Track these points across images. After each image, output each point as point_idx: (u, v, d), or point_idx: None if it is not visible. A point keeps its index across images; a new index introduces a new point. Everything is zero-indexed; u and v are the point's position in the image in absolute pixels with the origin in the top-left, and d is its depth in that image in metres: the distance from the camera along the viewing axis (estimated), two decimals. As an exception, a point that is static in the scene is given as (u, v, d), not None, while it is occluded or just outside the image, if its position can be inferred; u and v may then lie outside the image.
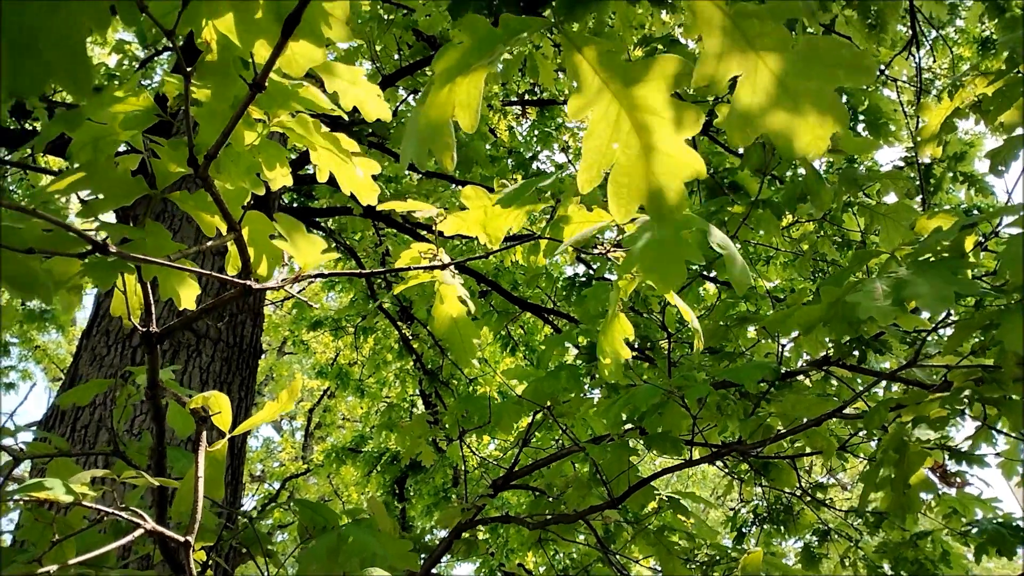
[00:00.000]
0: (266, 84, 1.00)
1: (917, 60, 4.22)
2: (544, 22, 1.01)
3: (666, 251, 1.51)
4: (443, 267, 1.62)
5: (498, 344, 9.02)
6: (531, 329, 8.61)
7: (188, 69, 1.22)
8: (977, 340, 2.26)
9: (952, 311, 2.47)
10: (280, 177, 1.61)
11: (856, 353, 3.10)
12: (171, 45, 1.01)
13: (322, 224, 6.68)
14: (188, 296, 1.51)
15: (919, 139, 2.47)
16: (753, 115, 0.98)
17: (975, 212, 5.31)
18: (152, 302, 1.49)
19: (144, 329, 1.48)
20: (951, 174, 4.89)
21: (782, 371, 3.32)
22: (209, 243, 1.29)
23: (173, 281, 1.47)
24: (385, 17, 5.83)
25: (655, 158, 1.03)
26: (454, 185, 6.03)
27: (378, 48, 5.82)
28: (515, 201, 1.55)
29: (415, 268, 1.62)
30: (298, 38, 0.96)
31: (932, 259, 2.10)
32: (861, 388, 2.88)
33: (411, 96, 6.08)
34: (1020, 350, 1.82)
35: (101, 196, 1.32)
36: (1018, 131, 2.51)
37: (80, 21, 0.81)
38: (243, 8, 0.93)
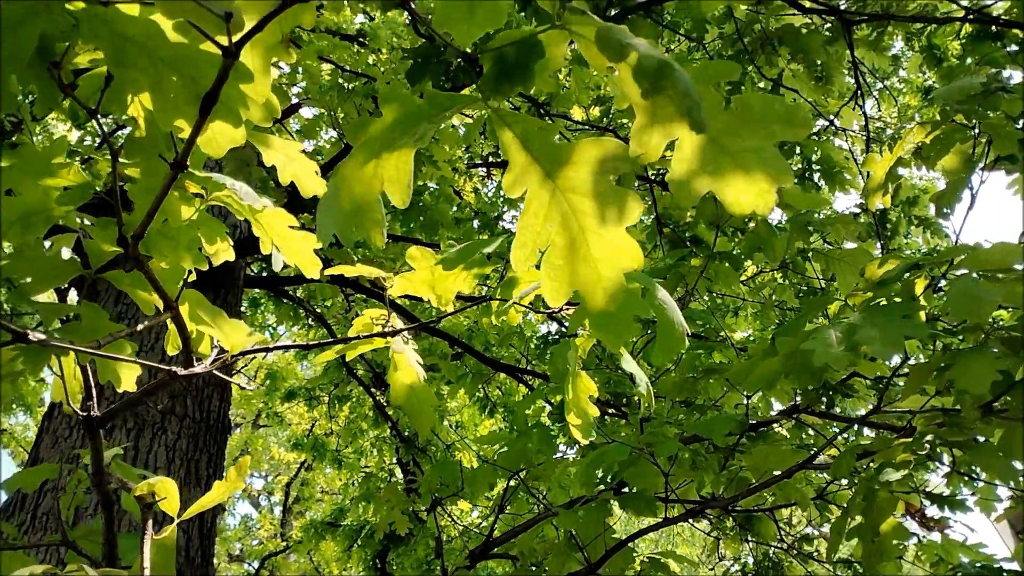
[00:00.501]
0: (187, 164, 0.99)
1: (864, 110, 4.34)
2: (471, 99, 1.01)
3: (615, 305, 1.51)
4: (391, 333, 1.60)
5: (476, 406, 8.92)
6: (508, 390, 8.54)
7: (113, 147, 1.21)
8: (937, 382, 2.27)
9: (911, 355, 2.49)
10: (222, 251, 1.59)
11: (824, 400, 3.10)
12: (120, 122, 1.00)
13: (290, 292, 6.64)
14: (128, 378, 1.47)
15: (867, 189, 2.52)
16: (693, 177, 0.98)
17: (932, 254, 5.41)
18: (92, 385, 1.45)
19: (84, 414, 1.44)
20: (906, 218, 4.98)
21: (751, 422, 3.31)
22: (144, 324, 1.27)
23: (112, 363, 1.44)
24: (346, 86, 5.91)
25: (591, 244, 1.00)
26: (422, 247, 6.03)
27: (340, 116, 5.87)
28: (458, 263, 1.54)
29: (364, 336, 1.60)
30: (216, 118, 0.96)
31: (884, 303, 2.12)
32: (833, 435, 2.86)
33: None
34: (976, 390, 1.82)
35: (30, 280, 1.30)
36: (958, 176, 2.57)
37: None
38: (159, 88, 0.93)
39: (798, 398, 3.14)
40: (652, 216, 5.15)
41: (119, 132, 6.83)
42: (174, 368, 1.09)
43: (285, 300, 6.93)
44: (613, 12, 4.07)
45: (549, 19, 0.96)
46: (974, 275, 1.93)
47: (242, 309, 9.08)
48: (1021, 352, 1.90)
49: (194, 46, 0.92)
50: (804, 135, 0.90)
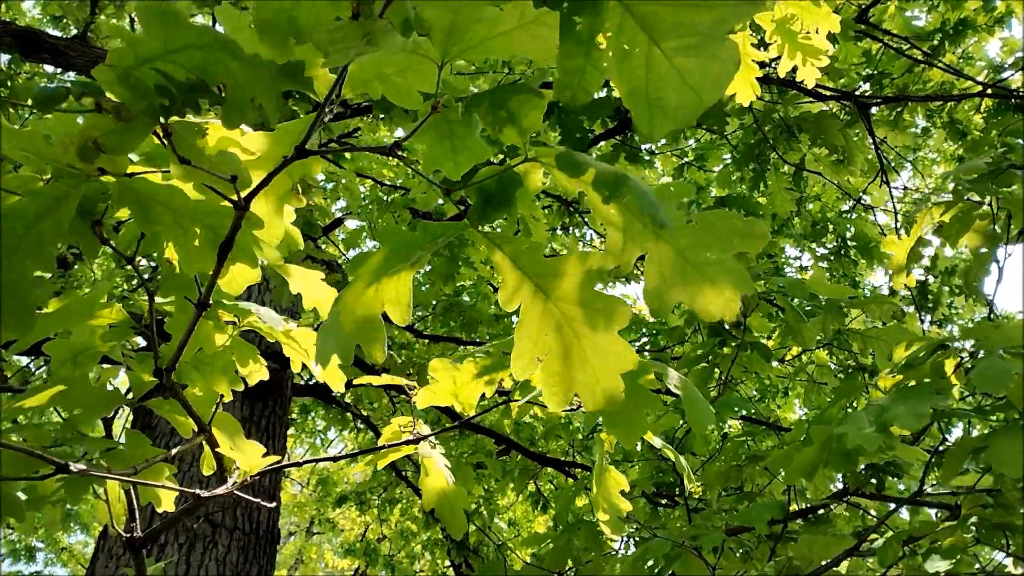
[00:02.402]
0: (210, 303, 1.09)
1: (890, 186, 4.38)
2: (462, 226, 1.11)
3: (627, 403, 1.55)
4: (416, 441, 1.67)
5: (528, 503, 8.79)
6: (560, 483, 8.43)
7: (151, 288, 1.33)
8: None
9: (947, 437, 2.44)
10: (255, 372, 1.70)
11: (874, 481, 3.03)
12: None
13: (338, 398, 6.75)
14: (167, 499, 1.55)
15: (890, 271, 2.54)
16: (665, 289, 1.05)
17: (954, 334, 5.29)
18: (135, 507, 1.54)
19: (127, 535, 1.52)
20: (947, 288, 4.93)
21: (800, 507, 3.24)
22: (178, 448, 1.36)
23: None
24: (385, 198, 6.18)
25: (586, 350, 1.06)
26: (461, 347, 6.14)
27: (380, 225, 6.11)
28: (484, 375, 1.61)
29: (391, 445, 1.67)
30: (235, 261, 1.06)
31: (913, 385, 2.12)
32: (879, 520, 2.79)
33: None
34: (1011, 473, 1.80)
35: (78, 412, 1.41)
36: (982, 251, 2.58)
37: (26, 267, 0.92)
38: (183, 239, 1.04)
39: (847, 480, 3.07)
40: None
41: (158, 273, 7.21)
42: (199, 491, 1.17)
43: (333, 405, 7.04)
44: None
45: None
46: (999, 352, 1.93)
47: (293, 416, 9.25)
48: (1052, 429, 1.87)
49: (212, 200, 1.04)
50: (761, 247, 0.97)
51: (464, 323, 5.83)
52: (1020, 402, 1.92)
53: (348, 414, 7.04)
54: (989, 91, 4.44)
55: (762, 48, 2.38)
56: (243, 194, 0.99)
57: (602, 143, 4.97)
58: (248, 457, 1.24)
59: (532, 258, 1.08)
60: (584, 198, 1.09)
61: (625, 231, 1.03)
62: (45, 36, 5.97)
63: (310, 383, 7.24)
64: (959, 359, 2.08)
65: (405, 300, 1.11)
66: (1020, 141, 4.52)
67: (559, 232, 6.94)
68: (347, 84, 1.04)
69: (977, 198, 2.45)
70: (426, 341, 6.39)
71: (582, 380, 1.09)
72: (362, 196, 6.59)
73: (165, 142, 0.87)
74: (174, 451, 1.32)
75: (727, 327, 4.56)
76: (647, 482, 3.82)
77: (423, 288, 6.83)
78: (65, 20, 7.10)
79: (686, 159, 6.35)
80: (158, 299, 1.37)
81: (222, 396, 1.51)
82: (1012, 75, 4.59)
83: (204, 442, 1.50)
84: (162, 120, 0.84)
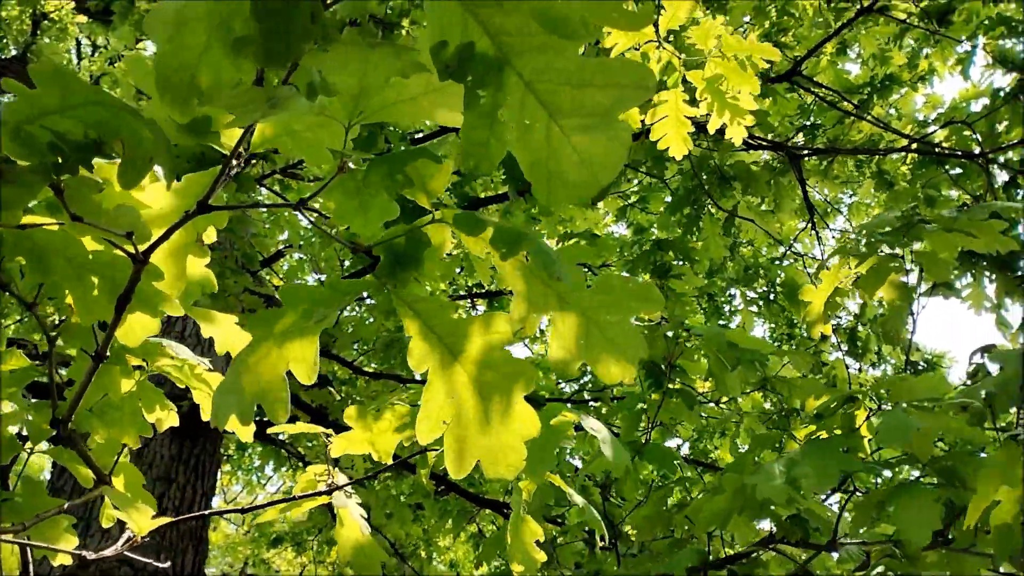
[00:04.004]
0: (107, 354, 1.07)
1: (818, 236, 4.51)
2: (370, 283, 1.11)
3: (535, 447, 1.56)
4: (329, 492, 1.64)
5: (469, 543, 8.69)
6: (502, 524, 8.36)
7: (52, 333, 1.29)
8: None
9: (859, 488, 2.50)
10: (166, 418, 1.66)
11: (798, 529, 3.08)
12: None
13: (274, 436, 6.62)
14: (68, 546, 1.49)
15: (807, 321, 2.61)
16: (569, 351, 1.06)
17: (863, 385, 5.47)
18: (29, 561, 1.47)
19: (22, 588, 1.45)
20: (876, 335, 5.08)
21: (728, 554, 3.26)
22: (78, 500, 1.31)
23: (47, 536, 1.47)
24: (328, 231, 6.14)
25: (491, 414, 1.05)
26: (401, 384, 6.09)
27: (322, 260, 6.06)
28: (387, 415, 1.60)
29: (302, 496, 1.64)
30: (134, 311, 1.04)
31: (824, 437, 2.18)
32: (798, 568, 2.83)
33: (352, 302, 6.29)
34: (912, 535, 1.84)
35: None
36: (897, 303, 2.67)
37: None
38: (80, 289, 1.02)
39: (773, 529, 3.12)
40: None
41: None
42: (84, 552, 1.13)
43: (269, 444, 6.90)
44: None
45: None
46: (903, 406, 2.00)
47: (230, 453, 9.01)
48: (956, 483, 1.93)
49: (111, 251, 1.02)
50: (658, 311, 0.99)
51: (405, 360, 5.79)
52: (924, 456, 1.98)
53: (286, 452, 6.90)
54: (914, 145, 4.64)
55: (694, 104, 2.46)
56: (142, 248, 0.97)
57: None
58: (138, 522, 1.20)
59: (441, 319, 1.08)
60: (491, 259, 1.10)
61: (528, 293, 1.04)
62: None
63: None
64: (868, 411, 2.14)
65: (311, 359, 1.10)
66: (942, 193, 4.72)
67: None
68: (257, 139, 1.04)
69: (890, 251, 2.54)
70: (366, 378, 6.32)
71: (485, 446, 1.08)
72: (306, 228, 6.54)
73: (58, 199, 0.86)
74: (68, 504, 1.27)
75: (663, 368, 4.62)
76: (578, 529, 3.82)
77: (366, 322, 6.77)
78: (4, 40, 6.95)
79: (629, 201, 6.47)
80: (60, 346, 1.33)
81: (200, 423, 1.47)
82: (935, 130, 4.80)
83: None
84: (54, 176, 0.82)
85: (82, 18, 4.86)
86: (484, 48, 0.86)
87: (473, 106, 0.89)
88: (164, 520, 1.21)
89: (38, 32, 5.74)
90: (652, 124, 2.26)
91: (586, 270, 5.87)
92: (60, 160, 0.81)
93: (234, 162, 0.99)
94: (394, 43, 0.67)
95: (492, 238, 0.89)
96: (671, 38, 2.15)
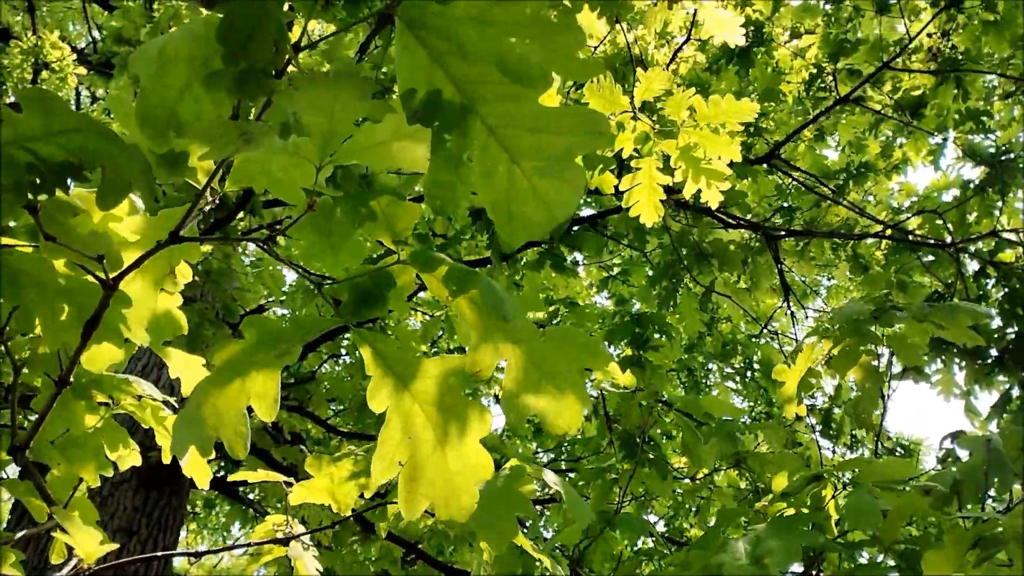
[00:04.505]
0: (71, 380, 1.08)
1: (793, 316, 4.58)
2: (332, 321, 1.13)
3: (496, 506, 1.56)
4: (284, 541, 1.62)
5: (436, 614, 8.42)
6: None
7: (16, 362, 1.31)
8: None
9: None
10: (127, 457, 1.65)
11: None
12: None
13: (241, 494, 6.49)
14: (13, 585, 1.47)
15: (781, 400, 2.64)
16: (519, 395, 1.09)
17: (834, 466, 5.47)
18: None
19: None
20: (850, 417, 5.10)
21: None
22: (24, 532, 1.30)
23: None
24: (312, 287, 6.17)
25: (446, 456, 1.06)
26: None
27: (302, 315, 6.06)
28: (346, 462, 1.61)
29: (261, 543, 1.62)
30: (100, 340, 1.06)
31: (790, 514, 2.18)
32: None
33: (329, 359, 6.28)
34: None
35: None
36: (867, 385, 2.71)
37: None
38: (49, 314, 1.04)
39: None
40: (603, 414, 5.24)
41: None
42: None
43: (237, 501, 6.75)
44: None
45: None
46: (868, 486, 2.02)
47: (196, 511, 8.80)
48: (918, 567, 1.93)
49: (81, 276, 1.05)
50: (604, 365, 1.02)
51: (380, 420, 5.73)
52: (889, 538, 1.99)
53: (252, 510, 6.75)
54: (888, 231, 4.76)
55: (668, 173, 2.54)
56: (113, 274, 1.00)
57: (528, 250, 5.12)
58: (86, 547, 1.19)
59: (399, 356, 1.10)
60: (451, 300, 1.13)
61: (481, 333, 1.07)
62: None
63: (216, 475, 6.96)
64: (835, 489, 2.15)
65: (272, 395, 1.11)
66: (914, 279, 4.82)
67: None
68: (231, 176, 1.08)
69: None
70: (340, 438, 6.25)
71: (438, 488, 1.09)
72: (290, 285, 6.56)
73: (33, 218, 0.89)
74: (19, 535, 1.26)
75: (636, 438, 4.62)
76: (547, 597, 3.74)
77: (343, 380, 6.72)
78: (5, 86, 7.05)
79: (611, 273, 6.55)
80: (27, 373, 1.34)
81: (164, 465, 1.46)
82: (909, 217, 4.93)
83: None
84: (31, 196, 0.86)
85: (82, 69, 4.98)
86: (450, 96, 0.91)
87: (439, 150, 0.94)
88: (111, 547, 1.20)
89: (38, 81, 5.85)
90: (627, 191, 2.33)
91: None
92: (37, 181, 0.84)
93: (208, 196, 1.03)
94: (359, 76, 0.72)
95: (444, 276, 0.93)
96: (645, 109, 2.24)
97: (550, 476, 1.57)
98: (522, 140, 0.90)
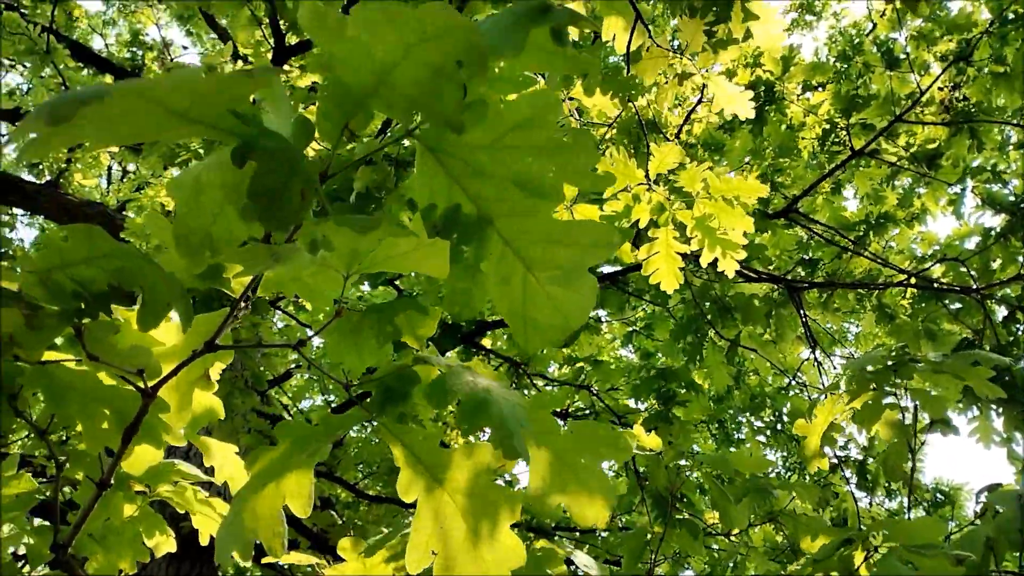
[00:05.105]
0: (111, 482, 1.13)
1: (820, 367, 4.55)
2: (361, 416, 1.18)
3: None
4: (318, 626, 1.64)
5: None
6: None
7: (62, 459, 1.36)
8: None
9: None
10: (163, 544, 1.69)
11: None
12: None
13: (274, 563, 6.48)
14: None
15: (805, 456, 2.63)
16: (546, 491, 1.11)
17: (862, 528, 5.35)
18: None
19: None
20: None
21: None
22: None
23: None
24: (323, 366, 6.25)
25: (479, 544, 1.09)
26: (406, 509, 6.00)
27: (329, 384, 6.11)
28: (379, 549, 1.62)
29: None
30: (140, 443, 1.11)
31: (825, 577, 2.16)
32: None
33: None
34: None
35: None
36: (894, 440, 2.69)
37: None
38: (90, 420, 1.09)
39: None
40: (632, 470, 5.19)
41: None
42: None
43: (269, 568, 6.73)
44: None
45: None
46: (899, 552, 2.00)
47: None
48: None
49: (121, 385, 1.10)
50: (625, 456, 1.05)
51: (407, 483, 5.73)
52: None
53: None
54: (912, 280, 4.74)
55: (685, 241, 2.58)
56: (152, 383, 1.05)
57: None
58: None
59: (428, 448, 1.14)
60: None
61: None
62: (17, 180, 6.15)
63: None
64: (867, 552, 2.13)
65: (306, 492, 1.15)
66: (941, 327, 4.78)
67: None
68: (264, 284, 1.14)
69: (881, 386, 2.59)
70: (369, 502, 6.25)
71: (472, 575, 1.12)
72: (317, 349, 6.65)
73: (78, 340, 0.94)
74: (62, 630, 1.29)
75: (668, 497, 4.57)
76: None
77: (371, 443, 6.74)
78: (41, 167, 7.31)
79: (635, 328, 6.56)
80: (68, 471, 1.39)
81: (190, 546, 1.50)
82: (932, 265, 4.91)
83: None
84: (76, 320, 0.92)
85: (114, 147, 5.17)
86: (468, 211, 0.96)
87: (458, 260, 0.99)
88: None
89: (72, 159, 6.08)
90: (645, 259, 2.37)
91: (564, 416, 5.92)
92: (83, 306, 0.90)
93: (241, 305, 1.08)
94: (382, 221, 0.77)
95: (458, 413, 0.96)
96: (660, 181, 2.30)
97: (580, 558, 1.58)
98: (536, 251, 0.95)
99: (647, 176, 2.23)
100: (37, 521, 2.78)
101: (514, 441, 0.92)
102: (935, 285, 4.63)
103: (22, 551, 1.64)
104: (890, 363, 2.41)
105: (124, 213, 6.14)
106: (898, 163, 4.55)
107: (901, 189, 5.15)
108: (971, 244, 4.45)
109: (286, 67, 5.32)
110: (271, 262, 0.93)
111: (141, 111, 0.68)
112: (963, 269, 4.59)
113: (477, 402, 0.93)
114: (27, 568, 1.56)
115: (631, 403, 5.65)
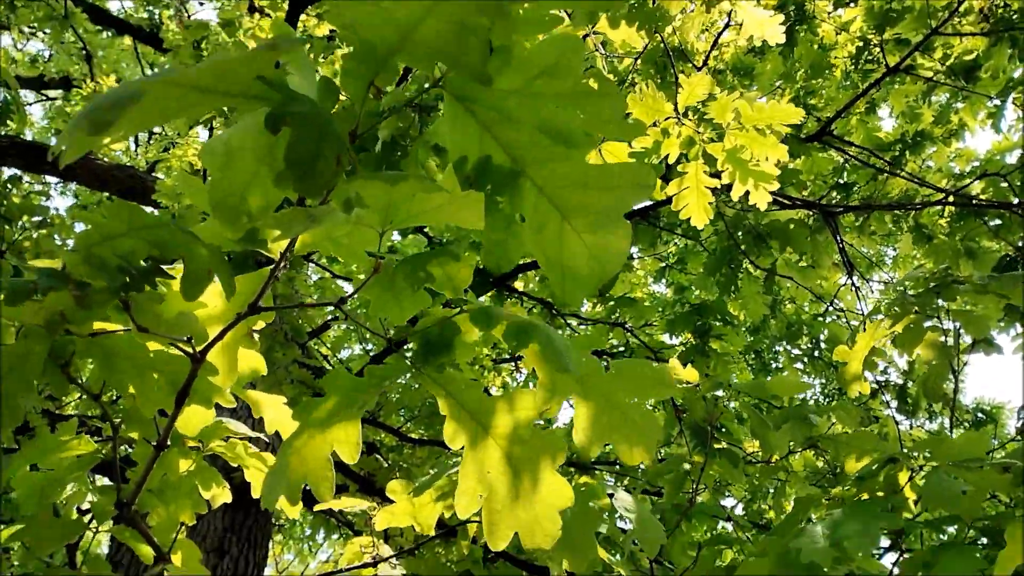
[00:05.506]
0: (168, 444, 1.16)
1: (858, 292, 4.50)
2: (405, 367, 1.19)
3: (574, 528, 1.60)
4: (374, 563, 1.71)
5: (523, 609, 8.54)
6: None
7: (117, 421, 1.40)
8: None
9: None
10: (219, 495, 1.75)
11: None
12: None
13: (327, 510, 6.69)
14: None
15: (844, 380, 2.62)
16: (592, 430, 1.13)
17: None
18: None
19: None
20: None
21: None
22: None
23: (112, 614, 1.56)
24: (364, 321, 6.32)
25: (525, 487, 1.11)
26: (448, 451, 6.14)
27: (367, 334, 6.20)
28: (427, 489, 1.67)
29: (347, 569, 1.71)
30: (191, 404, 1.14)
31: (866, 498, 2.17)
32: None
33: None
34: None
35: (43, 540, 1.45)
36: (935, 362, 2.67)
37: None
38: (142, 386, 1.12)
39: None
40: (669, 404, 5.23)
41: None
42: (147, 631, 1.21)
43: (320, 512, 6.96)
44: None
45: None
46: (945, 467, 1.99)
47: (281, 523, 9.09)
48: (1001, 542, 1.91)
49: (170, 351, 1.13)
50: (671, 393, 1.06)
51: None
52: (970, 515, 1.97)
53: (333, 520, 6.96)
54: (950, 199, 4.63)
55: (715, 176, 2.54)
56: (199, 348, 1.08)
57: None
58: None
59: (472, 397, 1.16)
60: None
61: (550, 379, 1.12)
62: (48, 148, 6.21)
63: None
64: (911, 471, 2.14)
65: (354, 440, 1.18)
66: (981, 244, 4.68)
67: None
68: (299, 244, 1.15)
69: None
70: (412, 445, 6.38)
71: (521, 519, 1.14)
72: (353, 299, 6.72)
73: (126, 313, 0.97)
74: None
75: (707, 428, 4.61)
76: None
77: (411, 389, 6.86)
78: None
79: (668, 263, 6.52)
80: (123, 430, 1.43)
81: (241, 494, 1.56)
82: (971, 182, 4.79)
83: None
84: (123, 294, 0.93)
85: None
86: (500, 160, 0.95)
87: (492, 211, 0.99)
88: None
89: (100, 124, 6.09)
90: (675, 194, 2.34)
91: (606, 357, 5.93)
92: (128, 280, 0.92)
93: (281, 266, 1.10)
94: (415, 175, 0.77)
95: (504, 333, 0.97)
96: (689, 114, 2.25)
97: (622, 500, 1.61)
98: (572, 197, 0.94)
99: (676, 109, 2.19)
100: (99, 480, 2.90)
101: (563, 357, 0.93)
102: (974, 203, 4.52)
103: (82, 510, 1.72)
104: (932, 285, 2.37)
105: (154, 175, 6.19)
106: (934, 78, 4.40)
107: (938, 105, 4.99)
108: (1012, 159, 4.33)
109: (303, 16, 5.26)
110: (308, 224, 0.93)
111: (173, 96, 0.68)
112: (1004, 184, 4.47)
113: (524, 324, 0.94)
114: (93, 523, 1.63)
115: (665, 339, 5.65)
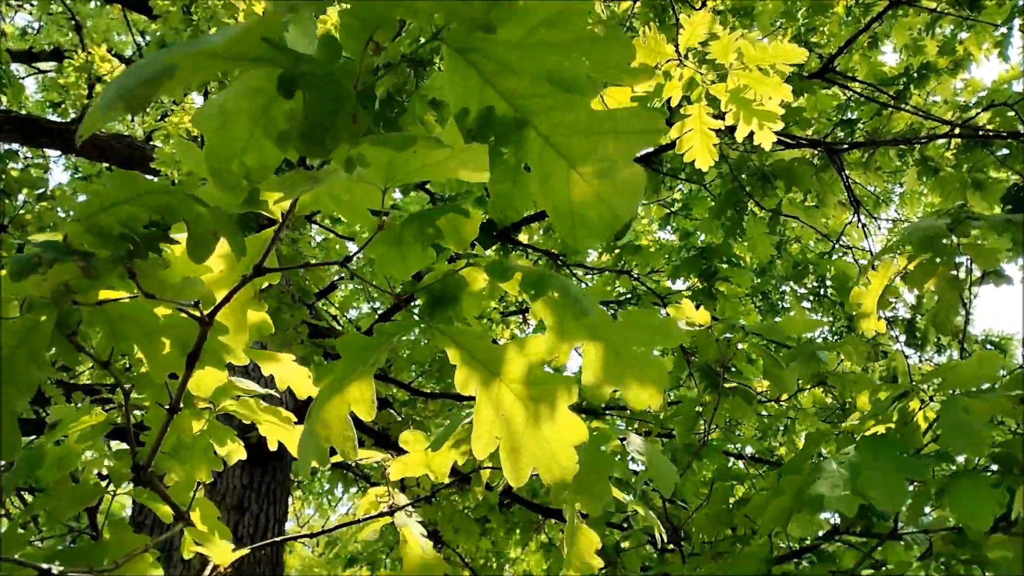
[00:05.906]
0: (180, 407, 1.17)
1: (865, 229, 4.47)
2: (413, 323, 1.19)
3: (589, 471, 1.62)
4: (390, 512, 1.73)
5: (540, 553, 8.74)
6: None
7: (128, 387, 1.41)
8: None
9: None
10: (234, 452, 1.77)
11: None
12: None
13: (344, 463, 6.79)
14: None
15: (858, 319, 2.62)
16: (600, 378, 1.13)
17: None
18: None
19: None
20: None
21: (775, 556, 3.26)
22: (159, 538, 1.42)
23: (136, 571, 1.58)
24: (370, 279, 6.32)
25: (540, 427, 1.13)
26: (460, 402, 6.19)
27: (374, 292, 6.21)
28: (443, 442, 1.68)
29: (367, 518, 1.73)
30: (203, 366, 1.14)
31: (881, 435, 2.18)
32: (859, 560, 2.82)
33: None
34: (972, 524, 1.85)
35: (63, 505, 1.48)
36: (946, 295, 2.66)
37: (9, 395, 1.00)
38: (152, 350, 1.12)
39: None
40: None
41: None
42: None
43: (337, 466, 7.07)
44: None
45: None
46: (961, 400, 1.99)
47: (300, 479, 9.25)
48: (1015, 470, 1.93)
49: (178, 315, 1.12)
50: (678, 343, 1.05)
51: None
52: (982, 445, 1.98)
53: (350, 473, 7.07)
54: (956, 131, 4.57)
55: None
56: (207, 311, 1.07)
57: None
58: (220, 553, 1.30)
59: (481, 346, 1.16)
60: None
61: (559, 325, 1.12)
62: (44, 121, 6.16)
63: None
64: (921, 402, 2.14)
65: (369, 398, 1.19)
66: (990, 175, 4.64)
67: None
68: (300, 203, 1.13)
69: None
70: (424, 399, 6.45)
71: (538, 456, 1.16)
72: (358, 259, 6.73)
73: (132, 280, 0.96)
74: (155, 540, 1.38)
75: (719, 370, 4.63)
76: (642, 533, 3.85)
77: (422, 344, 6.91)
78: (64, 105, 7.27)
79: (672, 209, 6.48)
80: (135, 396, 1.44)
81: (265, 449, 1.57)
82: (978, 113, 4.71)
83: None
84: (127, 262, 0.93)
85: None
86: (503, 111, 0.93)
87: (497, 162, 0.97)
88: (243, 552, 1.31)
89: (93, 95, 6.04)
90: (678, 138, 2.31)
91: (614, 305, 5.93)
92: (132, 247, 0.91)
93: (285, 228, 1.09)
94: (422, 137, 0.75)
95: (521, 283, 0.97)
96: (690, 55, 2.20)
97: (636, 441, 1.62)
98: (578, 145, 0.92)
99: (677, 50, 2.15)
100: (114, 444, 2.94)
101: (582, 303, 0.93)
102: (980, 134, 4.46)
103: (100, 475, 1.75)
104: (948, 222, 2.35)
105: (151, 143, 6.14)
106: (938, 8, 4.29)
107: (942, 36, 4.89)
108: (1019, 87, 4.25)
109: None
110: (311, 185, 0.92)
111: (188, 65, 0.67)
112: (1011, 114, 4.40)
113: (540, 273, 0.94)
114: (111, 487, 1.65)
115: (671, 285, 5.64)
